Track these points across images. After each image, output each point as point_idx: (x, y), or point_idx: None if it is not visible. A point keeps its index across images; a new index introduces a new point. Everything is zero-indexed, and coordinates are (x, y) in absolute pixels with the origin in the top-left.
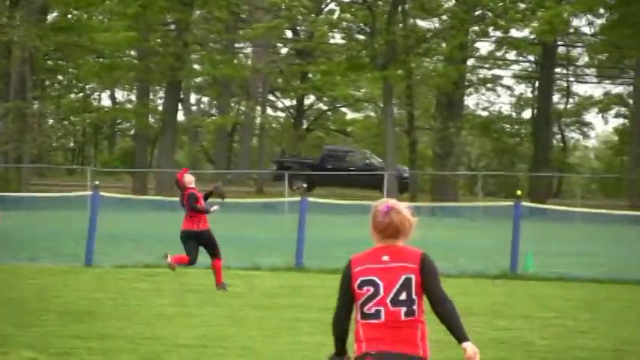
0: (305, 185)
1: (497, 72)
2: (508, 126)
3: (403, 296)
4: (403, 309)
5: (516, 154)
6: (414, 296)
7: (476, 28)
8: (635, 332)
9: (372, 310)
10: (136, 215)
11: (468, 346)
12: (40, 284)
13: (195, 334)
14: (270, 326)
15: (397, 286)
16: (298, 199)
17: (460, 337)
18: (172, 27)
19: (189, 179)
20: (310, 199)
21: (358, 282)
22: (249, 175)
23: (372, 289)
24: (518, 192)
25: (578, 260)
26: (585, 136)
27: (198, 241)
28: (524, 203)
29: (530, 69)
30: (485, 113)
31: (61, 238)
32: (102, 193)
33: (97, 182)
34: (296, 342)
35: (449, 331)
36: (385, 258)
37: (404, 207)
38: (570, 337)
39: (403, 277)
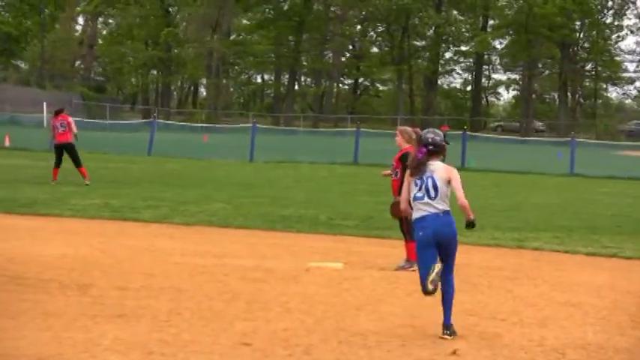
0: None
1: None
2: (460, 94)
3: None
4: None
5: (464, 108)
6: None
7: None
8: None
9: None
10: (274, 136)
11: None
12: (227, 169)
13: (302, 196)
14: (348, 190)
15: None
16: None
17: None
18: None
19: None
20: None
21: None
22: (330, 117)
23: None
24: (465, 127)
25: None
26: None
27: None
28: (468, 132)
29: None
30: (447, 87)
31: (236, 148)
32: (257, 125)
33: (255, 120)
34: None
35: None
36: None
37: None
38: None
39: None
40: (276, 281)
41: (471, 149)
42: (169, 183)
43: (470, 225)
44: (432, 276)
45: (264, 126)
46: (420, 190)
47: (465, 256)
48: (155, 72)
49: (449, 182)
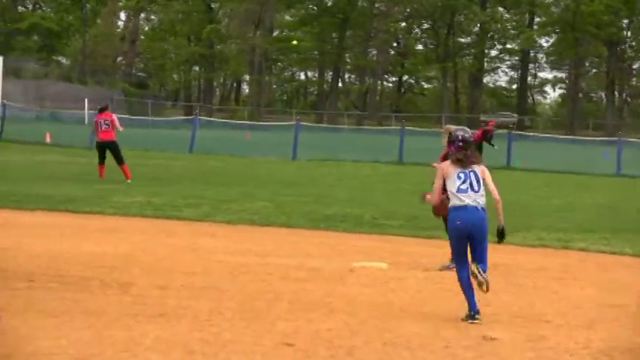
0: None
1: None
2: (505, 92)
3: None
4: None
5: (509, 106)
6: None
7: None
8: None
9: None
10: (318, 134)
11: None
12: (270, 167)
13: (346, 195)
14: (392, 189)
15: None
16: None
17: None
18: None
19: None
20: None
21: None
22: (375, 115)
23: None
24: (510, 126)
25: None
26: None
27: None
28: (514, 132)
29: None
30: (493, 85)
31: (279, 145)
32: (301, 123)
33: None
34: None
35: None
36: None
37: None
38: None
39: None
40: (320, 281)
41: (517, 148)
42: (211, 181)
43: (501, 235)
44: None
45: (308, 123)
46: (464, 182)
47: (510, 257)
48: (197, 68)
49: (483, 179)
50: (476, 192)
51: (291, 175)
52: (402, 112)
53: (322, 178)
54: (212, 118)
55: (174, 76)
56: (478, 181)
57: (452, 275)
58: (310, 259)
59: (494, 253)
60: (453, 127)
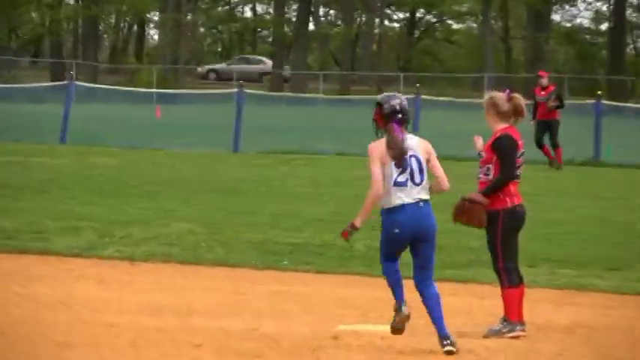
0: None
1: None
2: (588, 36)
3: None
4: None
5: (596, 60)
6: None
7: None
8: None
9: (518, 172)
10: (274, 109)
11: None
12: (197, 166)
13: (327, 211)
14: None
15: None
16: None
17: None
18: None
19: None
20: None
21: (519, 152)
22: (370, 76)
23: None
24: (599, 92)
25: None
26: None
27: None
28: (604, 101)
29: None
30: (569, 25)
31: (212, 129)
32: (246, 90)
33: (241, 81)
34: None
35: None
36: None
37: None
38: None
39: None
40: (282, 357)
41: (610, 130)
42: (99, 190)
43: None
44: (397, 320)
45: (258, 92)
46: (402, 173)
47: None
48: (72, 1)
49: (428, 161)
50: (417, 184)
51: (232, 178)
52: (415, 70)
53: (283, 184)
54: (97, 85)
55: (33, 14)
56: (421, 170)
57: (504, 345)
58: (264, 320)
59: (552, 308)
60: (499, 96)
